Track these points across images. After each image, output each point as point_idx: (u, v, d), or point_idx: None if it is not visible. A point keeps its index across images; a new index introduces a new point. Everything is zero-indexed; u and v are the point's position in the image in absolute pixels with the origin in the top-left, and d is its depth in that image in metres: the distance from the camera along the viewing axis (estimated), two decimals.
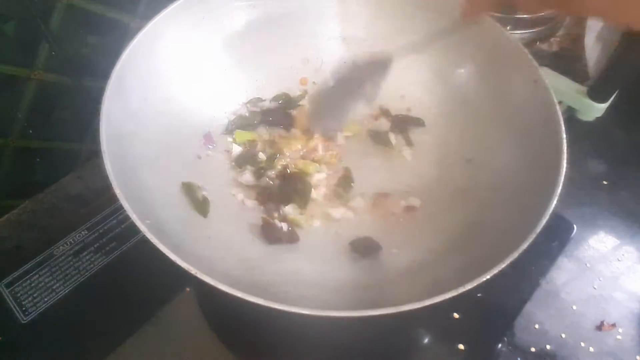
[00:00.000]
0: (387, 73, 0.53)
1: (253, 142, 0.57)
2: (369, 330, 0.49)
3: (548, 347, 0.52)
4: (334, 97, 0.55)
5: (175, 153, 0.51)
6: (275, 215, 0.51)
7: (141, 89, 0.49)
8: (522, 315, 0.54)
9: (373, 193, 0.55)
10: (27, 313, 0.52)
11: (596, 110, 0.61)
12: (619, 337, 0.53)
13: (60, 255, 0.56)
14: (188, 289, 0.54)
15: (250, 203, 0.53)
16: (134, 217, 0.37)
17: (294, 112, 0.60)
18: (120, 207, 0.37)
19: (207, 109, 0.56)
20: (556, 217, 0.39)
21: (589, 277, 0.58)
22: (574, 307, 0.55)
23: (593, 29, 0.67)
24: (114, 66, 0.46)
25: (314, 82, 0.62)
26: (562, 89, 0.61)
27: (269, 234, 0.50)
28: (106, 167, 0.39)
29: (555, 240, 0.59)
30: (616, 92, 0.60)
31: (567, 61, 0.70)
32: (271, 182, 0.54)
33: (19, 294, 0.53)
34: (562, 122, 0.45)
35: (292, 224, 0.51)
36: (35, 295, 0.53)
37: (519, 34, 0.67)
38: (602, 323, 0.54)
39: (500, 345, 0.52)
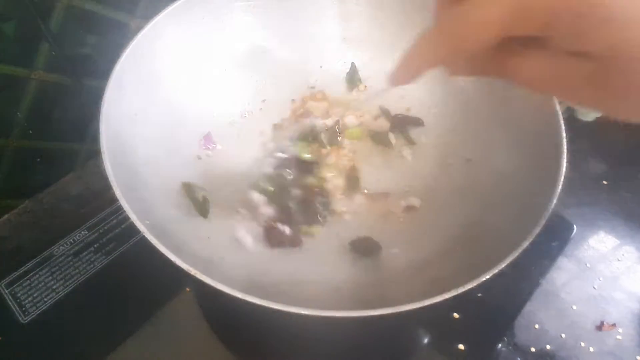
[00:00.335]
0: None
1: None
2: (368, 330, 0.49)
3: (548, 347, 0.52)
4: None
5: (175, 153, 0.51)
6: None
7: (141, 89, 0.49)
8: (522, 315, 0.54)
9: (373, 192, 0.55)
10: (27, 313, 0.52)
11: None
12: (619, 337, 0.53)
13: (60, 255, 0.56)
14: (188, 289, 0.54)
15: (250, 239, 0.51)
16: (133, 217, 0.37)
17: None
18: (120, 207, 0.37)
19: (207, 109, 0.56)
20: (556, 217, 0.39)
21: (589, 277, 0.58)
22: (574, 307, 0.55)
23: None
24: (114, 66, 0.46)
25: (312, 87, 0.62)
26: None
27: (272, 238, 0.49)
28: (106, 167, 0.39)
29: (555, 240, 0.59)
30: None
31: None
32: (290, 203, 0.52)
33: (19, 294, 0.53)
34: (562, 122, 0.45)
35: (305, 234, 0.50)
36: (35, 295, 0.53)
37: None
38: (602, 323, 0.54)
39: (500, 345, 0.52)
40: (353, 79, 0.62)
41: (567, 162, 0.42)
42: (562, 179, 0.41)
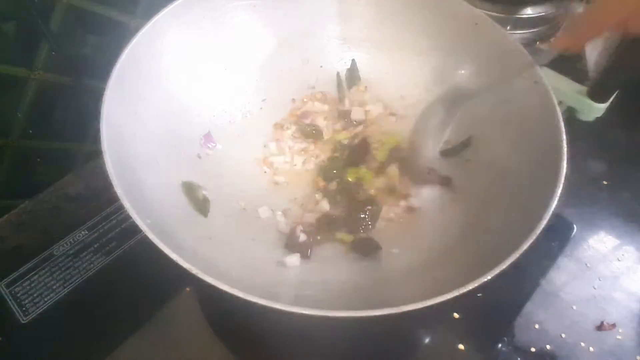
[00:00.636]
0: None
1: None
2: (369, 330, 0.49)
3: (548, 347, 0.52)
4: None
5: (175, 153, 0.51)
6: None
7: (141, 89, 0.49)
8: (522, 315, 0.54)
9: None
10: (27, 313, 0.52)
11: (596, 110, 0.61)
12: (619, 337, 0.53)
13: (60, 255, 0.56)
14: (188, 289, 0.54)
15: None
16: (135, 216, 0.37)
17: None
18: (120, 207, 0.37)
19: (207, 108, 0.56)
20: (556, 217, 0.39)
21: (589, 277, 0.58)
22: (574, 307, 0.55)
23: None
24: (114, 66, 0.46)
25: (312, 87, 0.62)
26: (562, 89, 0.61)
27: (290, 239, 0.50)
28: (107, 166, 0.39)
29: (555, 240, 0.59)
30: (616, 92, 0.60)
31: (567, 61, 0.69)
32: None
33: (19, 294, 0.53)
34: (562, 122, 0.45)
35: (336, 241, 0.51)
36: (35, 295, 0.53)
37: (519, 34, 0.67)
38: (602, 323, 0.54)
39: (500, 345, 0.52)
40: (353, 77, 0.62)
41: (567, 162, 0.42)
42: (562, 179, 0.41)
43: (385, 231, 0.51)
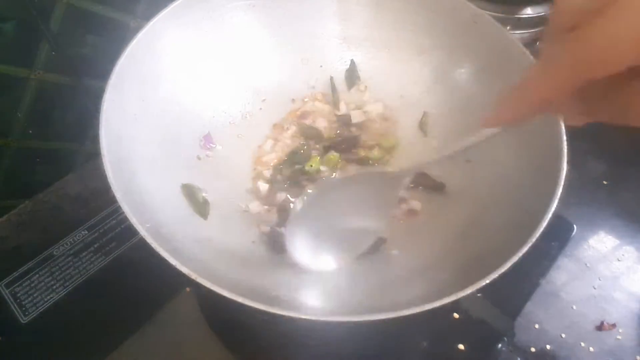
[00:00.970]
0: None
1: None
2: (368, 330, 0.49)
3: (548, 347, 0.52)
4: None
5: (175, 154, 0.51)
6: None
7: (141, 89, 0.49)
8: (522, 315, 0.54)
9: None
10: (27, 313, 0.52)
11: None
12: (619, 337, 0.53)
13: (60, 255, 0.56)
14: (188, 289, 0.54)
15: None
16: (133, 221, 0.37)
17: None
18: (120, 207, 0.37)
19: (207, 109, 0.56)
20: (556, 217, 0.39)
21: (589, 277, 0.58)
22: (574, 307, 0.55)
23: None
24: (114, 66, 0.46)
25: (312, 87, 0.62)
26: None
27: (276, 244, 0.49)
28: (106, 169, 0.39)
29: (555, 240, 0.59)
30: None
31: None
32: None
33: (19, 294, 0.53)
34: (562, 122, 0.45)
35: None
36: (35, 295, 0.53)
37: (519, 34, 0.67)
38: (602, 323, 0.54)
39: (500, 345, 0.52)
40: (352, 76, 0.62)
41: (567, 162, 0.42)
42: (562, 179, 0.41)
43: (386, 233, 0.51)
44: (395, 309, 0.34)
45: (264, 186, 0.54)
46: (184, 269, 0.35)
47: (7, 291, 0.53)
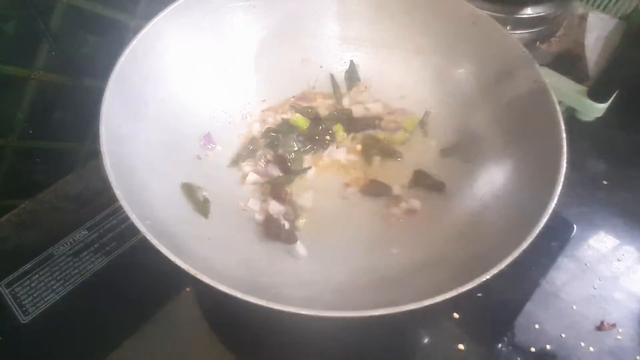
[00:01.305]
0: None
1: None
2: (368, 330, 0.49)
3: (548, 347, 0.52)
4: None
5: (175, 153, 0.51)
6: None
7: (141, 89, 0.49)
8: (522, 315, 0.54)
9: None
10: (27, 313, 0.52)
11: (596, 110, 0.61)
12: (619, 337, 0.53)
13: (60, 255, 0.56)
14: (188, 289, 0.54)
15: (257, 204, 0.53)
16: (134, 217, 0.37)
17: None
18: (121, 207, 0.37)
19: (207, 109, 0.56)
20: (556, 217, 0.39)
21: (589, 277, 0.58)
22: (574, 307, 0.55)
23: (593, 29, 0.67)
24: (114, 66, 0.46)
25: (312, 87, 0.62)
26: (562, 89, 0.61)
27: (270, 229, 0.50)
28: (106, 168, 0.39)
29: (555, 240, 0.59)
30: (616, 92, 0.60)
31: (567, 61, 0.69)
32: None
33: (19, 294, 0.53)
34: (562, 122, 0.45)
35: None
36: (35, 295, 0.53)
37: (518, 34, 0.67)
38: (602, 323, 0.54)
39: (500, 345, 0.52)
40: (352, 77, 0.62)
41: (567, 162, 0.42)
42: (562, 179, 0.41)
43: (386, 231, 0.51)
44: (395, 304, 0.34)
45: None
46: (184, 266, 0.35)
47: (7, 291, 0.53)
